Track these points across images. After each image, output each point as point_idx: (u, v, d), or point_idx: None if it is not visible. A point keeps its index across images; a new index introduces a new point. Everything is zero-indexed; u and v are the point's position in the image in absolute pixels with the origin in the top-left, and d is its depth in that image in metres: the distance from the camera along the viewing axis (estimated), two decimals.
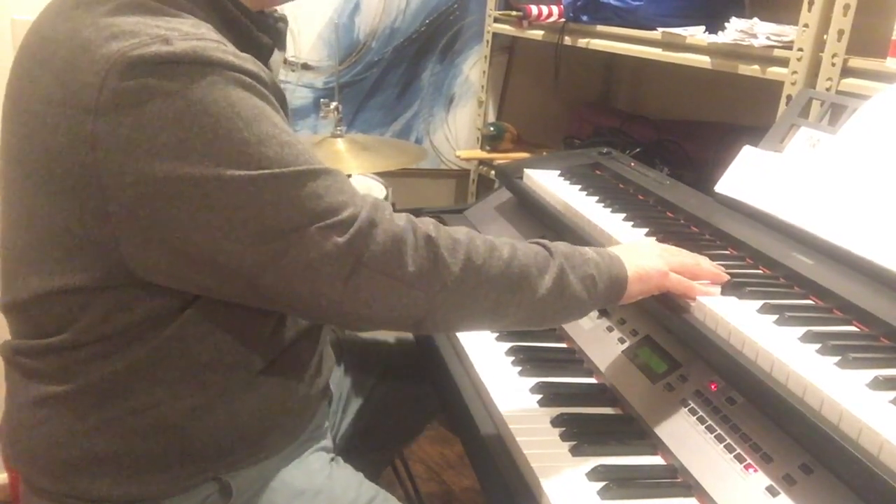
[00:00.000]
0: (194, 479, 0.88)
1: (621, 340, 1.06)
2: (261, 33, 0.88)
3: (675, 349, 0.98)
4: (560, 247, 0.89)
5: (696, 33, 1.48)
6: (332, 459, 1.04)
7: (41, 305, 0.82)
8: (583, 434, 0.90)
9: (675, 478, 0.84)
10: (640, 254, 0.94)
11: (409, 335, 1.33)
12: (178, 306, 0.81)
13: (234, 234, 0.73)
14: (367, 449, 1.26)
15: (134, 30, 0.73)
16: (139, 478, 0.85)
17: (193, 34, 0.74)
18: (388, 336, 1.41)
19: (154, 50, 0.71)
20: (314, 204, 0.74)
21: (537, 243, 0.89)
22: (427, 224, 0.81)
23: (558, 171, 1.43)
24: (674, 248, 0.98)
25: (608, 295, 0.89)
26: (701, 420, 0.87)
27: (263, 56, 0.88)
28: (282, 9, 0.97)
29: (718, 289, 0.94)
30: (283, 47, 0.96)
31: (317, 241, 0.74)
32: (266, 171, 0.73)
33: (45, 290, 0.80)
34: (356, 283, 0.76)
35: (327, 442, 1.08)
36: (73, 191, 0.75)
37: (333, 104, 1.79)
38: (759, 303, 0.89)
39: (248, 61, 0.76)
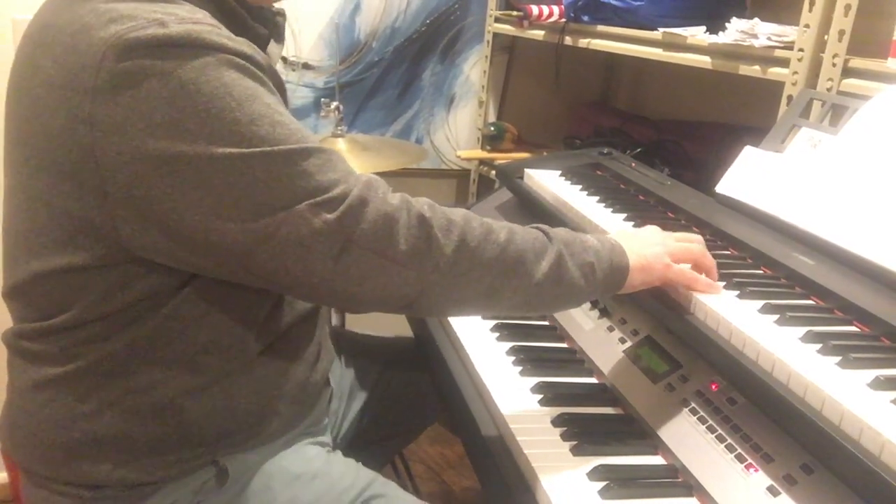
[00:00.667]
0: (192, 462, 0.89)
1: (622, 340, 1.06)
2: (256, 24, 0.90)
3: (676, 349, 0.98)
4: (560, 233, 0.89)
5: (696, 33, 1.48)
6: (331, 451, 1.05)
7: (42, 286, 0.83)
8: (583, 434, 0.90)
9: (676, 478, 0.84)
10: (643, 242, 0.93)
11: (408, 331, 1.33)
12: (177, 285, 0.83)
13: (226, 212, 0.74)
14: (367, 445, 1.26)
15: (132, 14, 0.75)
16: (138, 462, 0.87)
17: (189, 18, 0.76)
18: (388, 332, 1.41)
19: (150, 32, 0.73)
20: (305, 182, 0.75)
21: (537, 228, 0.89)
22: (422, 204, 0.81)
23: (559, 171, 1.43)
24: (679, 234, 0.98)
25: (608, 283, 0.89)
26: (702, 420, 0.87)
27: (259, 46, 0.89)
28: (280, 4, 0.98)
29: (722, 284, 0.93)
30: (280, 40, 0.98)
31: (307, 219, 0.75)
32: (257, 150, 0.74)
33: (46, 270, 0.82)
34: (347, 261, 0.76)
35: (326, 438, 1.08)
36: (72, 172, 0.76)
37: (334, 104, 1.79)
38: (760, 303, 0.89)
39: (242, 44, 0.78)
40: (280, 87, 0.85)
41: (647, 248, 0.92)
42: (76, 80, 0.74)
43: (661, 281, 0.92)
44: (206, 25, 0.76)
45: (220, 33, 0.77)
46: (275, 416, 0.95)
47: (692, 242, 0.96)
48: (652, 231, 0.98)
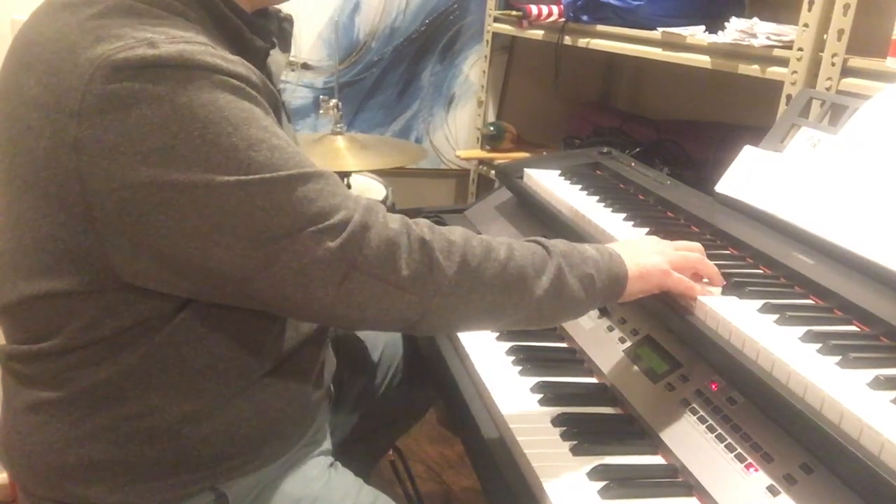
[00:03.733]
0: (190, 487, 0.87)
1: (622, 340, 1.06)
2: (254, 35, 0.86)
3: (676, 349, 0.98)
4: (559, 245, 0.88)
5: (696, 33, 1.48)
6: (331, 465, 1.03)
7: (30, 310, 0.81)
8: (583, 434, 0.90)
9: (676, 477, 0.84)
10: (641, 251, 0.93)
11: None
12: (170, 311, 0.80)
13: (224, 240, 0.72)
14: (364, 440, 1.26)
15: (119, 33, 0.72)
16: (134, 485, 0.85)
17: (181, 37, 0.73)
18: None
19: (140, 53, 0.70)
20: (305, 208, 0.73)
21: (535, 241, 0.88)
22: (422, 226, 0.80)
23: (558, 171, 1.43)
24: (679, 241, 0.98)
25: (607, 293, 0.89)
26: (702, 420, 0.87)
27: (258, 59, 0.86)
28: (285, 7, 0.95)
29: (719, 290, 0.94)
30: (286, 48, 0.95)
31: (309, 247, 0.73)
32: (256, 176, 0.71)
33: (33, 294, 0.79)
34: (349, 287, 0.75)
35: (327, 444, 1.07)
36: (58, 196, 0.73)
37: (333, 101, 1.79)
38: (760, 302, 0.89)
39: (237, 64, 0.75)
40: (276, 106, 0.82)
41: (646, 257, 0.91)
42: (61, 101, 0.71)
43: (659, 289, 0.92)
44: (198, 45, 0.73)
45: (213, 53, 0.73)
46: (276, 437, 0.93)
47: (691, 251, 0.96)
48: (651, 240, 0.98)
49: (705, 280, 0.95)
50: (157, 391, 0.83)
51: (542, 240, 0.89)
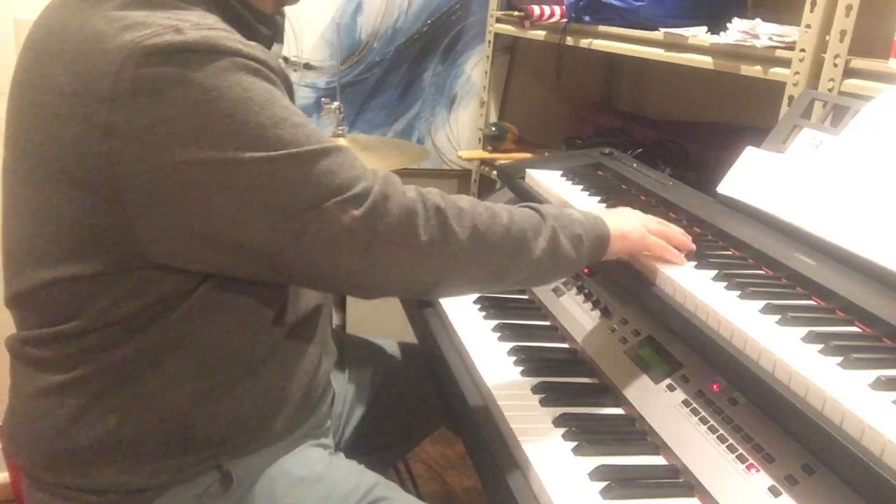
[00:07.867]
0: (196, 467, 0.89)
1: (623, 341, 1.06)
2: (260, 25, 0.91)
3: (677, 349, 0.98)
4: (550, 209, 0.95)
5: (698, 34, 1.48)
6: (333, 454, 1.05)
7: (50, 294, 0.83)
8: (585, 434, 0.90)
9: (677, 478, 0.84)
10: (621, 217, 1.02)
11: (411, 334, 1.33)
12: (190, 287, 0.83)
13: (256, 214, 0.76)
14: (370, 450, 1.26)
15: (145, 21, 0.75)
16: (143, 466, 0.87)
17: (203, 24, 0.77)
18: (390, 335, 1.41)
19: (167, 39, 0.73)
20: (329, 180, 0.77)
21: (529, 206, 0.95)
22: (434, 195, 0.85)
23: (560, 172, 1.44)
24: (654, 217, 1.05)
25: (592, 252, 0.96)
26: (703, 420, 0.87)
27: (264, 47, 0.89)
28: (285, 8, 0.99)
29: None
30: (280, 40, 0.98)
31: (335, 216, 0.77)
32: (283, 152, 0.76)
33: (55, 278, 0.81)
34: (373, 254, 0.80)
35: (328, 440, 1.08)
36: (85, 181, 0.76)
37: (335, 104, 1.79)
38: (762, 303, 0.89)
39: (256, 49, 0.79)
40: (289, 89, 0.86)
41: (626, 221, 1.01)
42: (90, 87, 0.74)
43: (638, 248, 1.00)
44: (220, 31, 0.77)
45: (234, 38, 0.78)
46: (279, 418, 0.95)
47: (666, 225, 1.04)
48: (630, 210, 1.07)
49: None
50: (169, 370, 0.85)
51: (534, 204, 0.96)
